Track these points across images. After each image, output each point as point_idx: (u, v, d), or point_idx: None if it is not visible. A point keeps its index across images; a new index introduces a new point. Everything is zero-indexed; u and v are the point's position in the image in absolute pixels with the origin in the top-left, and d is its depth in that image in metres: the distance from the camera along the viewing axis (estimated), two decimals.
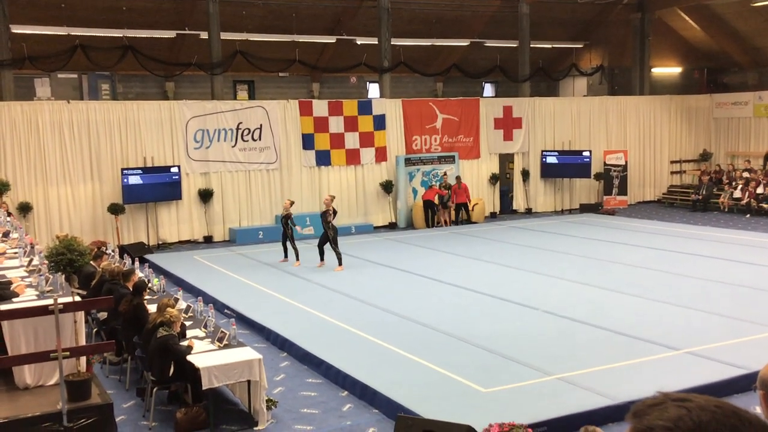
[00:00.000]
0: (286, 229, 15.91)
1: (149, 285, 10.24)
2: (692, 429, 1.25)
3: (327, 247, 15.46)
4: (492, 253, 16.78)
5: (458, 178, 21.75)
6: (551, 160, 23.71)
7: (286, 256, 16.23)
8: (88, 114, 18.34)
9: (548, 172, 23.83)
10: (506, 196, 24.03)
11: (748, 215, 22.23)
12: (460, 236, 19.42)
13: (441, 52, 26.13)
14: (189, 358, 7.74)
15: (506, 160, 24.00)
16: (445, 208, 21.40)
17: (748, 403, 7.69)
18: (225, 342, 8.11)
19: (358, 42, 23.67)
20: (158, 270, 14.90)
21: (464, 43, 25.55)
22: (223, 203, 19.90)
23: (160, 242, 19.10)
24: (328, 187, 20.99)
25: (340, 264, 15.30)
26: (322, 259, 15.57)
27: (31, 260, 10.39)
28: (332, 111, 21.11)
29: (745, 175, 23.55)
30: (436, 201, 21.26)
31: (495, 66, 24.89)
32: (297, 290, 13.52)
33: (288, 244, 16.07)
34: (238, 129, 19.93)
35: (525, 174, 23.92)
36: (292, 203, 16.26)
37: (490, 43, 25.65)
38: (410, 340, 10.13)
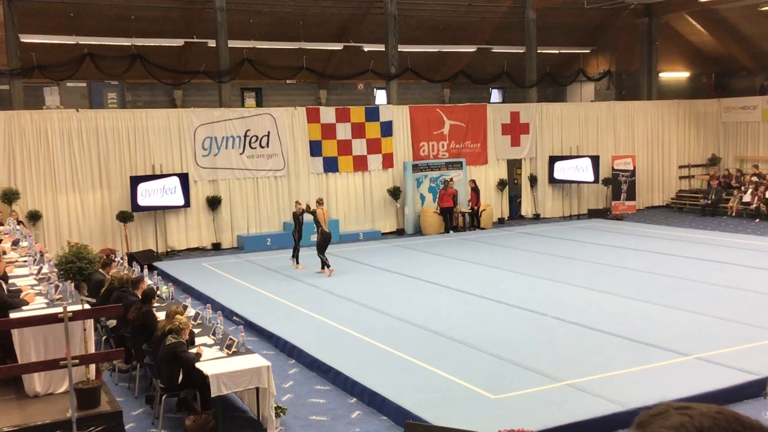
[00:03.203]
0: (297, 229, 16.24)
1: (158, 292, 10.27)
2: None
3: (327, 252, 15.58)
4: (500, 259, 16.76)
5: (448, 181, 21.43)
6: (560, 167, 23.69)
7: (298, 261, 16.37)
8: (97, 122, 18.43)
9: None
10: (515, 202, 24.01)
11: (757, 220, 22.14)
12: (468, 242, 19.40)
13: (448, 59, 26.16)
14: (198, 365, 7.75)
15: (514, 165, 23.99)
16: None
17: (758, 409, 7.66)
18: (233, 349, 8.12)
19: (365, 49, 23.72)
20: (167, 277, 14.95)
21: (471, 49, 25.56)
22: (231, 210, 19.95)
23: (169, 250, 19.14)
24: (336, 193, 21.04)
25: (322, 268, 15.54)
26: (328, 266, 15.56)
27: (41, 268, 10.44)
28: (339, 118, 21.14)
29: (754, 179, 23.46)
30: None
31: (502, 72, 24.89)
32: (305, 297, 13.52)
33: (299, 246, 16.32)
34: (245, 136, 19.99)
35: (533, 180, 23.90)
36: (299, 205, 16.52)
37: (497, 49, 25.66)
38: (419, 347, 10.12)
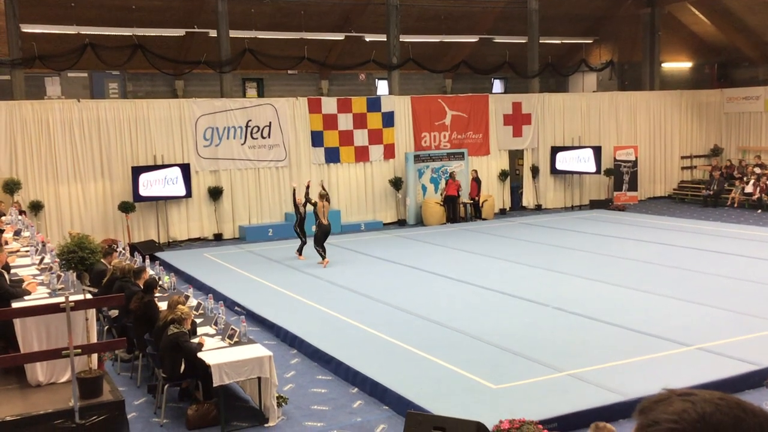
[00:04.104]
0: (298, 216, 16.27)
1: (160, 282, 10.28)
2: (696, 420, 1.27)
3: (326, 243, 15.60)
4: (502, 249, 16.76)
5: (453, 172, 21.65)
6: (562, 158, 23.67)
7: (300, 253, 16.34)
8: (98, 112, 18.42)
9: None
10: (516, 193, 23.99)
11: (759, 210, 22.12)
12: (470, 233, 19.40)
13: (450, 49, 26.08)
14: (200, 355, 7.76)
15: (516, 156, 23.96)
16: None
17: (759, 398, 7.68)
18: (235, 339, 8.13)
19: (367, 39, 23.65)
20: (169, 267, 14.97)
21: (473, 39, 25.49)
22: (233, 201, 19.95)
23: (171, 240, 19.16)
24: (337, 184, 21.03)
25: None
26: (323, 257, 15.55)
27: (43, 258, 10.46)
28: (341, 108, 21.11)
29: (757, 170, 23.42)
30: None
31: (504, 62, 24.81)
32: (307, 288, 13.54)
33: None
34: (247, 127, 19.97)
35: (534, 170, 23.87)
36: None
37: (499, 39, 25.58)
38: (420, 337, 10.14)
